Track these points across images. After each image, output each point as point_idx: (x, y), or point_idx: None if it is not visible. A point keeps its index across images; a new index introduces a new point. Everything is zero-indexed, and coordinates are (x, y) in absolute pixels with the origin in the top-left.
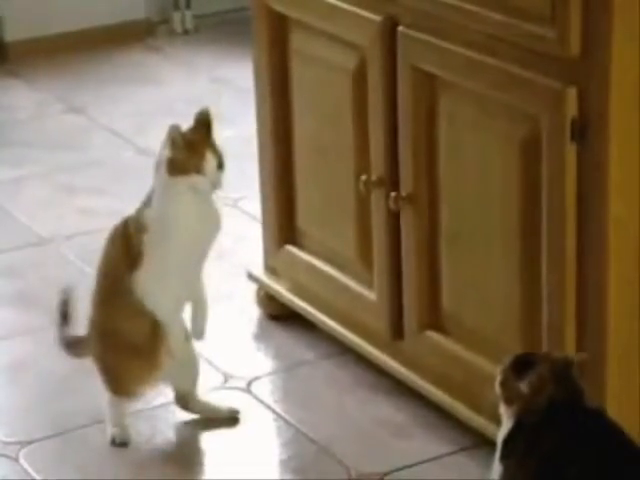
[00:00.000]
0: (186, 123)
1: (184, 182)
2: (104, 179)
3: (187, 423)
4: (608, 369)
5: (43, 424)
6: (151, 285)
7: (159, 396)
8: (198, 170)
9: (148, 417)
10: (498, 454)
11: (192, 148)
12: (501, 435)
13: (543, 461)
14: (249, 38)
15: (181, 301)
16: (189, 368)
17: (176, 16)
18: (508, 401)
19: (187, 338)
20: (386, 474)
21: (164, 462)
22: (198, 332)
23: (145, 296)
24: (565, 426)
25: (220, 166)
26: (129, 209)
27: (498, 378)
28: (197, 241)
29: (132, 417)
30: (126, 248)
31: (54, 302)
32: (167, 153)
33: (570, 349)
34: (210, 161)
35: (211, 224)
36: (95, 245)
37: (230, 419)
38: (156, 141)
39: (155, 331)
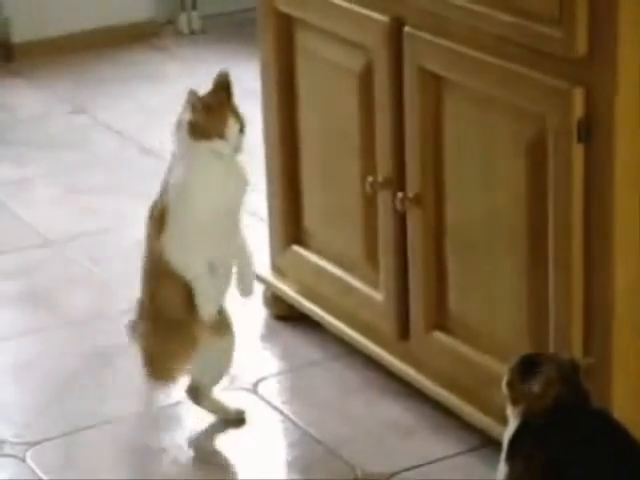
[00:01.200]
0: None
1: (206, 146)
2: (109, 179)
3: (194, 424)
4: (614, 369)
5: (50, 425)
6: (175, 244)
7: (165, 397)
8: (220, 135)
9: (154, 417)
10: (504, 454)
11: (213, 112)
12: (507, 435)
13: (549, 461)
14: (256, 39)
15: (211, 260)
16: (216, 363)
17: (182, 17)
18: (514, 401)
19: (223, 332)
20: (393, 474)
21: (171, 463)
22: (244, 290)
23: (171, 256)
24: (571, 427)
25: (242, 130)
26: (134, 208)
27: (505, 378)
28: (222, 201)
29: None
30: (156, 219)
31: (59, 302)
32: (188, 117)
33: (577, 350)
34: (232, 126)
35: (236, 183)
36: (100, 244)
37: (237, 420)
38: (161, 141)
39: (190, 302)
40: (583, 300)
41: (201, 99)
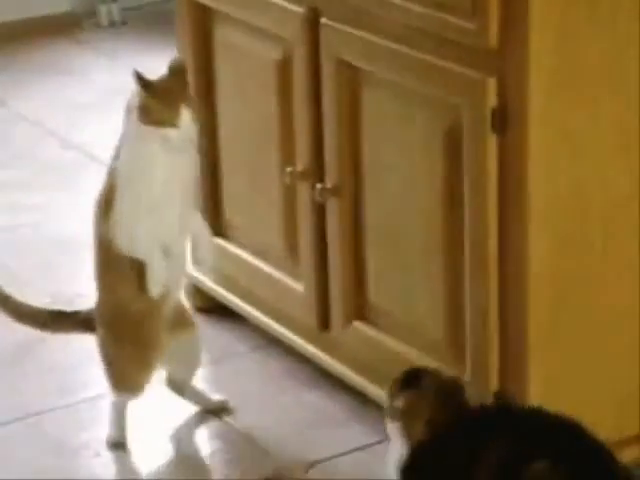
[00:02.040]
0: (112, 115)
1: (158, 133)
2: (28, 173)
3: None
4: (529, 358)
5: None
6: (124, 222)
7: (79, 390)
8: (173, 124)
9: (72, 413)
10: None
11: (166, 99)
12: (392, 455)
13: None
14: (175, 30)
15: (159, 240)
16: (192, 357)
17: (102, 9)
18: (392, 415)
19: (185, 325)
20: (315, 463)
21: (91, 458)
22: (200, 259)
23: (120, 237)
24: (466, 451)
25: (195, 119)
26: (54, 203)
27: (387, 391)
28: (169, 182)
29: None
30: (103, 204)
31: None
32: (138, 100)
33: (493, 338)
34: (185, 115)
35: (184, 166)
36: (20, 240)
37: (220, 410)
38: (83, 134)
39: (149, 299)
40: (498, 288)
41: (153, 84)
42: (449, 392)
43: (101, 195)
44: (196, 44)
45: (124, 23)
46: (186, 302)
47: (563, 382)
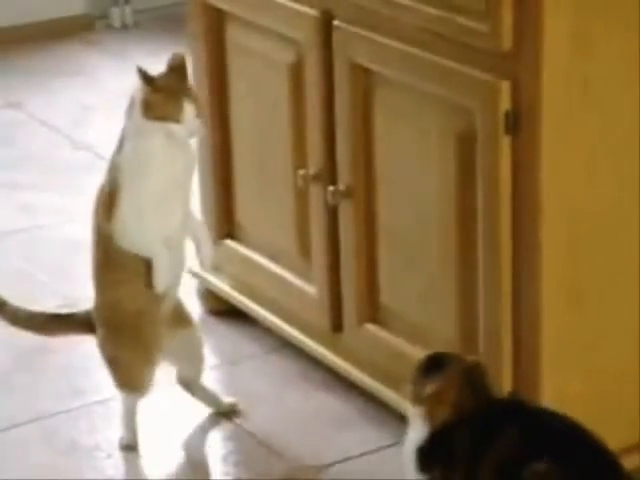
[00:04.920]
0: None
1: (161, 128)
2: (43, 175)
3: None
4: (542, 360)
5: None
6: (128, 219)
7: (91, 393)
8: (176, 119)
9: (84, 415)
10: (416, 463)
11: (168, 95)
12: (412, 441)
13: (496, 471)
14: (188, 33)
15: (163, 235)
16: (193, 355)
17: (115, 11)
18: (416, 401)
19: (184, 324)
20: (327, 466)
21: (104, 459)
22: (203, 258)
23: (123, 234)
24: (486, 431)
25: (198, 114)
26: (68, 204)
27: (411, 377)
28: (172, 178)
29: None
30: (105, 201)
31: None
32: (141, 95)
33: (506, 340)
34: (188, 110)
35: (185, 161)
36: (34, 241)
37: (230, 413)
38: (94, 135)
39: (150, 292)
40: (512, 291)
41: (156, 79)
42: (473, 376)
43: (102, 192)
44: (209, 47)
45: (136, 25)
46: (182, 301)
47: (575, 385)
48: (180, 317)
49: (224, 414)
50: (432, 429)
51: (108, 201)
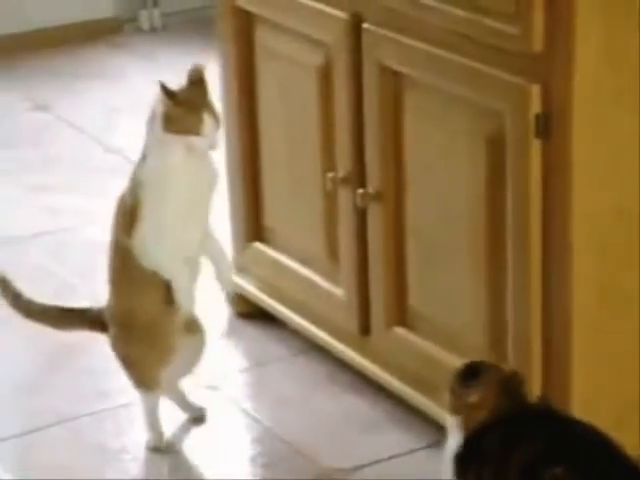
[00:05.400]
0: None
1: (181, 141)
2: (71, 177)
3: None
4: (572, 364)
5: (8, 424)
6: (149, 237)
7: (119, 394)
8: (196, 132)
9: (112, 417)
10: (451, 470)
11: (189, 108)
12: (450, 449)
13: (521, 472)
14: (216, 36)
15: (183, 255)
16: (186, 360)
17: (143, 14)
18: (454, 410)
19: (194, 330)
20: (356, 469)
21: (131, 461)
22: (224, 282)
23: (144, 251)
24: (518, 438)
25: (217, 127)
26: (96, 207)
27: (448, 386)
28: (193, 195)
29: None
30: (126, 216)
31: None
32: (161, 109)
33: (536, 342)
34: (208, 122)
35: (207, 178)
36: (63, 243)
37: (197, 418)
38: (124, 139)
39: (162, 301)
40: (541, 296)
41: (176, 93)
42: (511, 385)
43: (122, 202)
44: (238, 50)
45: (165, 28)
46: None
47: (606, 390)
48: (192, 323)
49: (194, 420)
50: (467, 435)
51: (129, 215)
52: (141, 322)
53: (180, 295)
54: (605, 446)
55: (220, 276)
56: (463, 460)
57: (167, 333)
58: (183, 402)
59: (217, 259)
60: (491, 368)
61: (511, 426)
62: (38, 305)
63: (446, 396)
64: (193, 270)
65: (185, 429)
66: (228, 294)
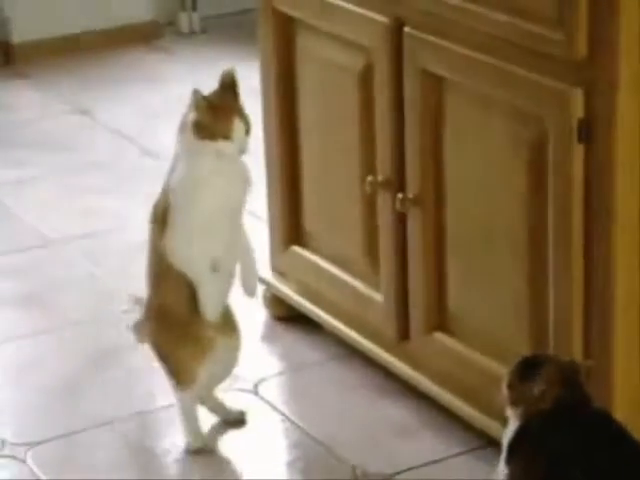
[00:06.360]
0: None
1: (211, 147)
2: (109, 180)
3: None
4: (615, 370)
5: (50, 426)
6: (179, 244)
7: (161, 396)
8: (226, 136)
9: (154, 419)
10: (503, 457)
11: (219, 113)
12: (507, 437)
13: (550, 464)
14: (255, 39)
15: (214, 260)
16: (222, 364)
17: (183, 17)
18: (514, 403)
19: (230, 332)
20: (393, 475)
21: (172, 463)
22: (248, 290)
23: (174, 257)
24: (571, 430)
25: (247, 131)
26: (134, 210)
27: (505, 380)
28: (225, 201)
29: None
30: (159, 220)
31: (59, 303)
32: (192, 116)
33: (577, 351)
34: (238, 127)
35: (239, 183)
36: (101, 246)
37: (237, 421)
38: (162, 142)
39: (195, 303)
40: (583, 301)
41: (207, 98)
42: (570, 375)
43: (156, 208)
44: (278, 53)
45: (204, 31)
46: (232, 310)
47: None
48: (227, 324)
49: (233, 422)
50: (523, 425)
51: (161, 220)
52: (176, 318)
53: (205, 299)
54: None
55: (245, 283)
56: (515, 447)
57: (201, 330)
58: (221, 409)
59: (244, 265)
60: (549, 359)
61: (565, 422)
62: None
63: (504, 390)
64: (226, 276)
65: (222, 431)
66: (264, 298)
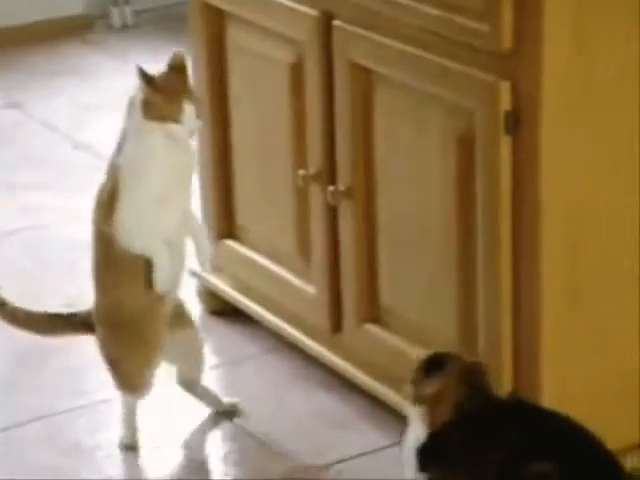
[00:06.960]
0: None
1: (160, 128)
2: (44, 175)
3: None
4: (542, 360)
5: None
6: (128, 219)
7: (102, 390)
8: (176, 119)
9: (90, 413)
10: (415, 463)
11: (168, 95)
12: (412, 440)
13: (501, 471)
14: (188, 33)
15: (163, 237)
16: (194, 355)
17: (115, 11)
18: (416, 401)
19: (184, 324)
20: (327, 466)
21: (104, 459)
22: (202, 258)
23: (124, 234)
24: (489, 431)
25: (197, 114)
26: (70, 204)
27: (410, 377)
28: (172, 180)
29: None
30: (105, 202)
31: None
32: (141, 95)
33: (506, 339)
34: (188, 110)
35: (186, 164)
36: (37, 241)
37: (230, 412)
38: (94, 135)
39: (149, 294)
40: (511, 293)
41: (156, 79)
42: (473, 376)
43: (102, 192)
44: (209, 47)
45: (136, 25)
46: (184, 302)
47: (576, 386)
48: (181, 317)
49: (225, 414)
50: (432, 429)
51: (108, 201)
52: (127, 316)
53: (160, 274)
54: (580, 435)
55: (199, 253)
56: (427, 455)
57: (153, 326)
58: (211, 399)
59: (196, 237)
60: (454, 359)
61: (482, 422)
62: (23, 312)
63: (408, 387)
64: (176, 253)
65: (156, 426)
66: (199, 292)
